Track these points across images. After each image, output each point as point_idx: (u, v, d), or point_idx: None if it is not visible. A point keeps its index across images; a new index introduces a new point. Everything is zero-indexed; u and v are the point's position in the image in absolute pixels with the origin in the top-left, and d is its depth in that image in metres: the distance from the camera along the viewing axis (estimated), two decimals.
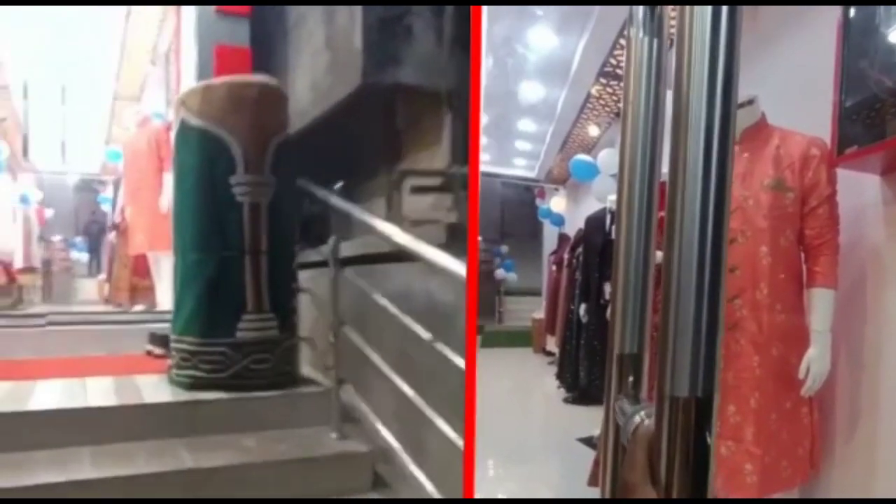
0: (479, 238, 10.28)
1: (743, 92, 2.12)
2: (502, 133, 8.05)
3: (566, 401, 5.65)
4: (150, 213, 4.71)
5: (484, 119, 7.05)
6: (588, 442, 4.09)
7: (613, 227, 4.44)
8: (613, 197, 4.39)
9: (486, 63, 5.74)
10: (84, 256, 10.85)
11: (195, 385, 2.55)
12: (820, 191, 2.10)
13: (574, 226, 7.17)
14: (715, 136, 0.43)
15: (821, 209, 2.11)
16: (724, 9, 0.43)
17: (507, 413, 5.49)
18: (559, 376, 6.15)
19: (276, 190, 2.62)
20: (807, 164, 2.10)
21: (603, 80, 5.24)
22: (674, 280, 0.44)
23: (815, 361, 2.05)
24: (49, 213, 9.96)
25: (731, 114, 0.44)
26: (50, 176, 10.10)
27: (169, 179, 4.07)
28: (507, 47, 5.65)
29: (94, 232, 10.73)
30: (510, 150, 9.00)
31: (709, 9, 0.43)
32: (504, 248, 11.75)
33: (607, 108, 5.93)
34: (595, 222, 5.17)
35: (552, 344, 7.45)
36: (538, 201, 10.31)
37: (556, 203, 9.31)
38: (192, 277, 2.60)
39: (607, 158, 5.34)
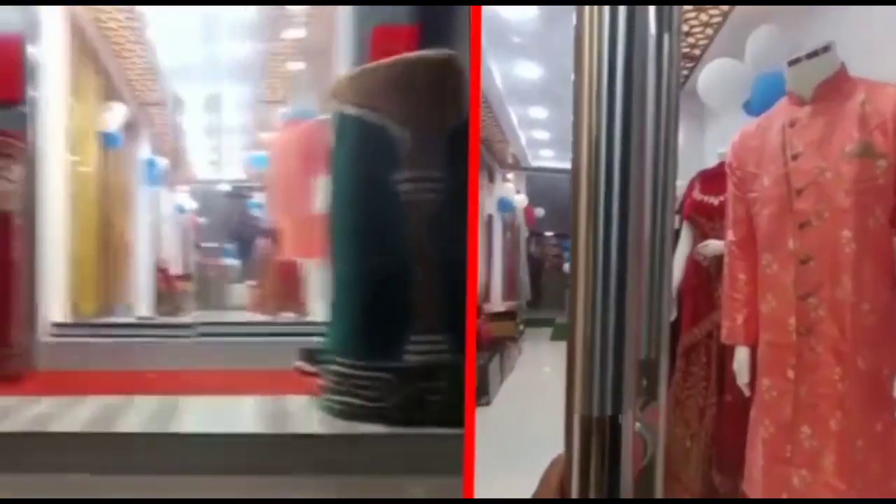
0: (552, 232, 9.84)
1: (812, 39, 2.02)
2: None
3: None
4: (300, 217, 4.49)
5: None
6: None
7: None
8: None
9: None
10: (235, 262, 11.28)
11: (350, 414, 2.22)
12: None
13: None
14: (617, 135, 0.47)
15: None
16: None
17: None
18: None
19: (449, 187, 2.22)
20: None
21: None
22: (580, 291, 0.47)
23: None
24: (202, 220, 10.51)
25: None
26: (202, 185, 10.66)
27: (321, 182, 3.86)
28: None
29: (244, 237, 11.18)
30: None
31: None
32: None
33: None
34: None
35: None
36: None
37: None
38: (349, 290, 2.28)
39: None
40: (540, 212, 9.69)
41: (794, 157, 1.78)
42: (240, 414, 2.42)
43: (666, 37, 0.48)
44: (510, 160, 8.68)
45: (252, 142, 8.87)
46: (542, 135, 8.29)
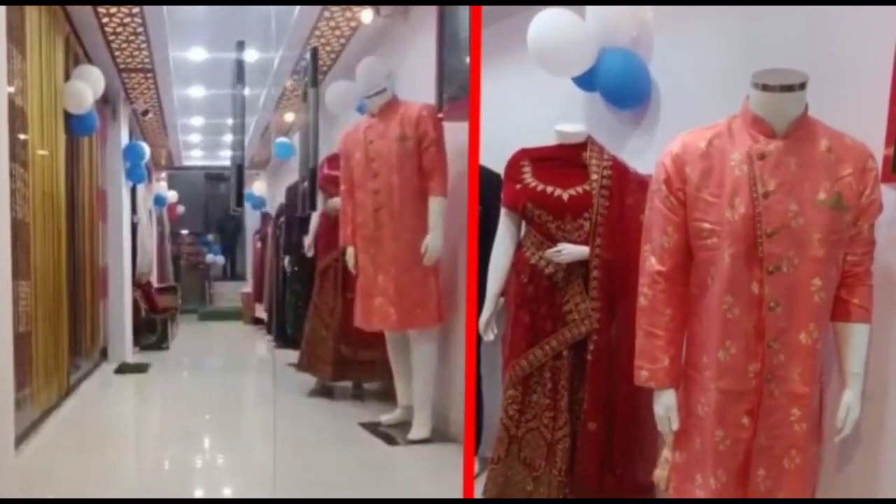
0: (187, 231, 10.78)
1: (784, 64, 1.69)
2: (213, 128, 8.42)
3: (276, 346, 6.34)
4: (402, 264, 3.37)
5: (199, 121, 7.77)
6: (294, 365, 4.89)
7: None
8: None
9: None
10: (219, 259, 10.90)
11: None
12: (872, 212, 1.70)
13: (275, 205, 7.81)
14: None
15: (431, 148, 3.06)
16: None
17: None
18: (269, 331, 6.94)
19: None
20: (863, 180, 1.68)
21: (296, 77, 5.61)
22: None
23: (853, 408, 1.72)
24: (181, 209, 10.09)
25: None
26: (183, 172, 10.23)
27: (437, 206, 3.31)
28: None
29: (228, 229, 10.74)
30: (219, 144, 9.33)
31: None
32: (210, 237, 11.63)
33: (297, 96, 6.19)
34: (293, 189, 5.89)
35: (260, 311, 8.29)
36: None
37: (258, 187, 9.83)
38: None
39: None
40: (181, 209, 10.26)
41: (766, 196, 1.64)
42: None
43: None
44: (164, 161, 9.36)
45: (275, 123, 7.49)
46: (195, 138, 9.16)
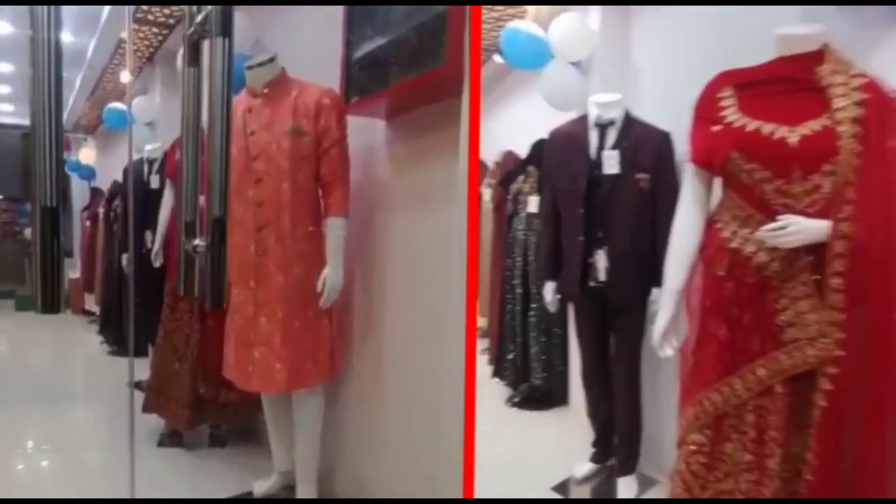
0: (1, 196, 9.53)
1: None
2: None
3: (111, 353, 5.74)
4: (293, 305, 2.52)
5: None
6: (139, 386, 4.17)
7: (153, 177, 4.14)
8: (150, 146, 4.39)
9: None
10: None
11: None
12: (331, 135, 2.44)
13: (107, 178, 6.96)
14: None
15: (333, 150, 2.46)
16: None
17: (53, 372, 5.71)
18: (102, 331, 6.16)
19: None
20: (320, 112, 2.44)
21: (135, 26, 5.03)
22: None
23: (329, 278, 2.43)
24: None
25: None
26: None
27: (337, 228, 2.52)
28: None
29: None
30: None
31: None
32: (29, 206, 10.96)
33: (139, 54, 5.71)
34: (135, 173, 4.81)
35: (91, 303, 7.36)
36: (65, 153, 9.63)
37: (85, 154, 8.62)
38: None
39: (142, 106, 5.38)
40: None
41: (252, 134, 2.47)
42: None
43: None
44: None
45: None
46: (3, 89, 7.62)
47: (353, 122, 2.55)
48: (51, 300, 0.84)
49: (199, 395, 3.30)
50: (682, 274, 1.86)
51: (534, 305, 4.12)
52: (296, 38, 3.14)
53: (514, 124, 5.16)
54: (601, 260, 2.75)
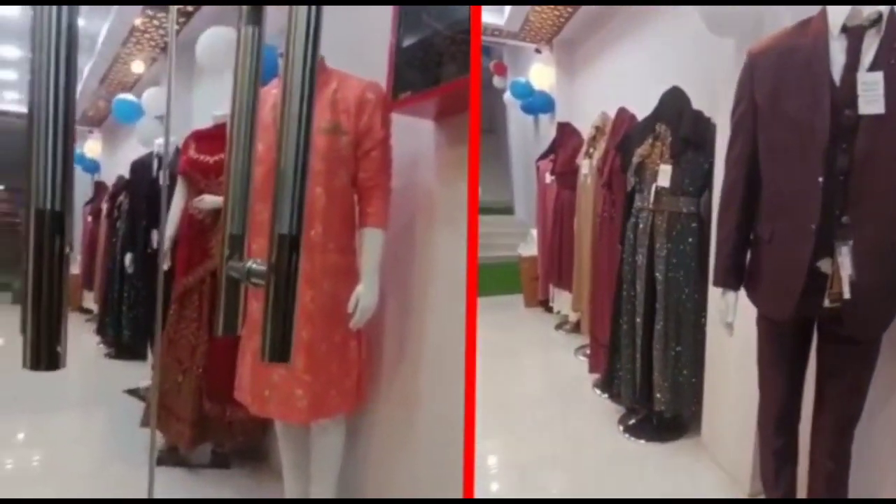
0: (2, 186, 9.33)
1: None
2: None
3: (108, 356, 5.59)
4: (319, 324, 2.26)
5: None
6: (135, 393, 3.99)
7: (161, 173, 3.69)
8: (160, 140, 4.09)
9: None
10: None
11: None
12: (374, 135, 2.16)
13: (111, 172, 6.73)
14: None
15: (374, 152, 2.17)
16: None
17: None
18: (99, 332, 5.95)
19: None
20: (362, 109, 2.16)
21: (150, 12, 4.81)
22: None
23: (363, 297, 2.14)
24: None
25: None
26: None
27: (375, 242, 2.22)
28: None
29: None
30: None
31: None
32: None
33: (153, 42, 5.50)
34: (141, 167, 4.68)
35: (90, 300, 7.11)
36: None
37: (91, 148, 8.38)
38: None
39: (153, 98, 5.12)
40: None
41: None
42: None
43: None
44: None
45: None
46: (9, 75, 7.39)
47: (396, 121, 2.25)
48: (46, 354, 0.58)
49: (203, 412, 3.03)
50: None
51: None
52: (336, 22, 2.86)
53: (615, 80, 4.81)
54: (845, 263, 1.69)
